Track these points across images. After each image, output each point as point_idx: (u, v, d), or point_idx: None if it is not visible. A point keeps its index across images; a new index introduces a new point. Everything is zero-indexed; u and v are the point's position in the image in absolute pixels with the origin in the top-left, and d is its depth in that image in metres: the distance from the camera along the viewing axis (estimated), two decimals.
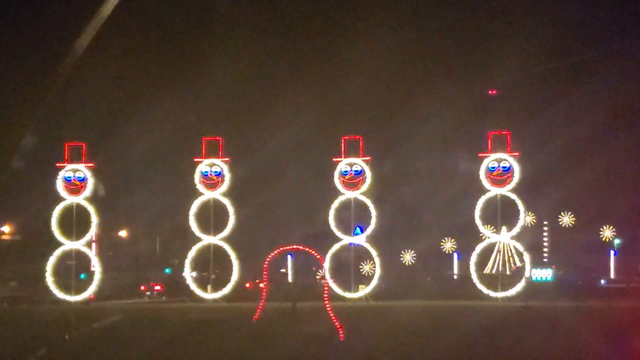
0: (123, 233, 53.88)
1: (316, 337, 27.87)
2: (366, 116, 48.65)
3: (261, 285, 48.02)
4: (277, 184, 48.06)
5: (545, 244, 55.71)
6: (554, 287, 46.32)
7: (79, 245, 44.46)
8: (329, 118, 47.75)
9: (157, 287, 51.72)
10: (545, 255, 55.42)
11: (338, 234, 44.30)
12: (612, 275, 52.03)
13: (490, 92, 51.39)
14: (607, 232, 51.87)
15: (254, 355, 25.07)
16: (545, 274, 49.98)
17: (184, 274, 43.94)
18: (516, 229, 43.90)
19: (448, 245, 56.45)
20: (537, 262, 49.77)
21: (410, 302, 43.52)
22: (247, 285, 45.84)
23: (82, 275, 45.10)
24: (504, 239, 44.45)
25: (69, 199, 44.71)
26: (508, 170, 43.99)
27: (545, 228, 54.95)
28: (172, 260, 51.99)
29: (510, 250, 51.77)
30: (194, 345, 26.00)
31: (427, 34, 46.86)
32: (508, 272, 50.39)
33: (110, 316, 37.12)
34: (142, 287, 51.96)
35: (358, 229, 43.86)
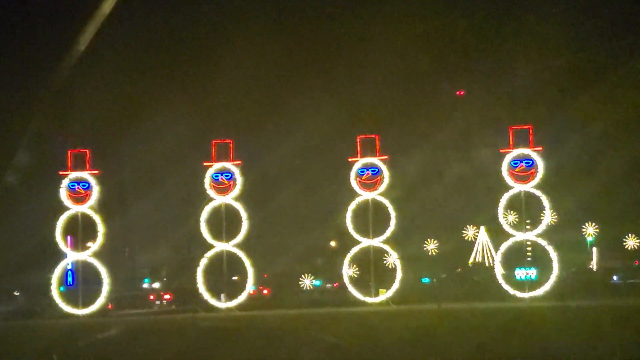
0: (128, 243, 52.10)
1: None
2: (382, 114, 46.99)
3: (264, 291, 46.26)
4: (290, 187, 46.31)
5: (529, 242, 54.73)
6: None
7: (85, 255, 42.73)
8: (344, 117, 46.14)
9: (167, 297, 50.10)
10: (529, 254, 54.12)
11: (356, 236, 42.55)
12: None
13: (457, 93, 49.69)
14: (590, 229, 50.41)
15: None
16: (529, 274, 48.76)
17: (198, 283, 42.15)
18: (542, 227, 42.15)
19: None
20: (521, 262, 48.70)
21: (434, 306, 41.63)
22: (251, 292, 44.09)
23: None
24: (529, 237, 42.62)
25: (74, 208, 43.01)
26: (531, 165, 42.31)
27: (528, 227, 54.15)
28: (143, 270, 50.28)
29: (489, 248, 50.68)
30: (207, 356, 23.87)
31: (444, 27, 45.22)
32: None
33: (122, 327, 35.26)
34: (151, 297, 50.31)
35: None
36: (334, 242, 51.99)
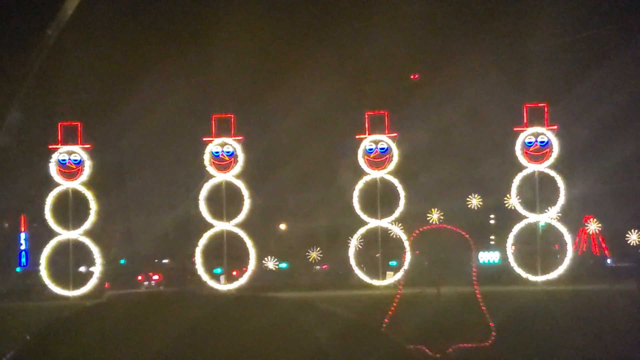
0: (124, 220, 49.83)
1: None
2: (390, 90, 45.07)
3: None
4: (295, 164, 44.27)
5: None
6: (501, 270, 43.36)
7: (76, 234, 40.51)
8: (352, 92, 44.16)
9: (155, 277, 48.19)
10: (492, 237, 53.06)
11: (364, 216, 40.73)
12: None
13: (412, 76, 47.97)
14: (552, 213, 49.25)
15: None
16: (492, 257, 47.40)
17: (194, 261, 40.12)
18: (556, 208, 40.65)
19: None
20: (483, 245, 47.45)
21: (445, 289, 39.95)
22: (234, 273, 42.26)
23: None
24: (543, 218, 41.09)
25: (64, 184, 40.70)
26: (546, 145, 40.73)
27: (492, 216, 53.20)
28: (113, 249, 48.27)
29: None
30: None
31: (454, 3, 43.45)
32: None
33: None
34: (140, 277, 48.35)
35: None
36: (283, 224, 50.07)
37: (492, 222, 54.96)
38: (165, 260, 51.98)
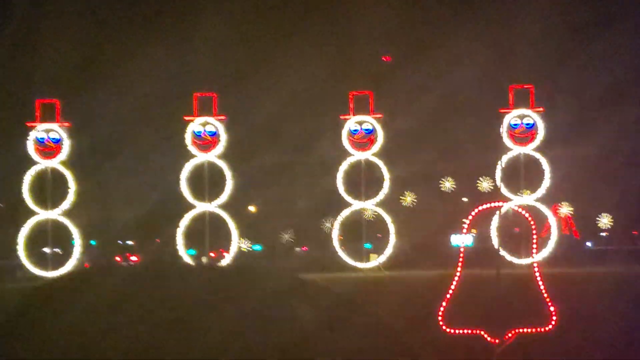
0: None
1: None
2: (376, 70, 44.46)
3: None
4: (279, 145, 43.65)
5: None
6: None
7: (54, 214, 39.73)
8: (336, 72, 43.47)
9: (134, 258, 47.65)
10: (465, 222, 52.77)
11: (348, 198, 40.31)
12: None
13: (383, 58, 47.60)
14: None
15: None
16: (464, 240, 47.39)
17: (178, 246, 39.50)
18: (541, 191, 40.48)
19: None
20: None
21: (428, 272, 39.76)
22: (212, 254, 41.83)
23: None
24: (528, 201, 40.89)
25: (43, 163, 39.83)
26: (532, 127, 40.47)
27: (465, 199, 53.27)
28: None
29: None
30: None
31: None
32: None
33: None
34: (118, 258, 47.75)
35: None
36: (253, 207, 49.70)
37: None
38: (129, 242, 51.50)
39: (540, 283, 18.04)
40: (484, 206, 18.13)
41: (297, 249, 49.67)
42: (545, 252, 39.84)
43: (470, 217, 18.24)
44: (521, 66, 40.09)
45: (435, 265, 39.98)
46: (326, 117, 41.49)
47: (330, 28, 44.26)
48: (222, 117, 40.30)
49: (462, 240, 48.37)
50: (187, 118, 40.20)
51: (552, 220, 40.40)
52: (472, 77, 42.87)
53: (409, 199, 48.92)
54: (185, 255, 39.77)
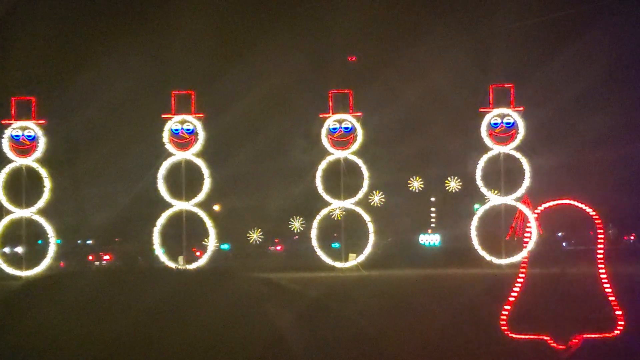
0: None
1: None
2: (355, 68, 44.12)
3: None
4: (257, 143, 43.18)
5: (433, 209, 54.06)
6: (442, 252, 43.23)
7: (29, 213, 39.16)
8: (316, 70, 43.13)
9: (106, 257, 47.06)
10: (433, 220, 52.82)
11: (327, 197, 39.92)
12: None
13: (349, 58, 47.35)
14: (453, 184, 49.03)
15: None
16: (433, 240, 45.98)
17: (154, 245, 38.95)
18: (521, 190, 40.25)
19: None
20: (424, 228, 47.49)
21: (408, 271, 39.47)
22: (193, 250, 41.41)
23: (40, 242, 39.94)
24: (506, 201, 40.66)
25: (18, 161, 39.26)
26: (512, 126, 40.25)
27: (433, 199, 53.11)
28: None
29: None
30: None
31: None
32: None
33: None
34: (91, 257, 47.17)
35: None
36: (217, 206, 49.25)
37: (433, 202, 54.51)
38: (88, 241, 50.89)
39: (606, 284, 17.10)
40: (549, 204, 17.15)
41: (272, 248, 49.13)
42: (525, 252, 39.51)
43: (537, 214, 17.16)
44: (501, 65, 39.96)
45: (410, 264, 39.90)
46: (305, 115, 41.12)
47: (310, 24, 43.92)
48: (200, 115, 39.88)
49: (428, 239, 47.52)
50: (164, 116, 39.76)
51: (532, 220, 40.03)
52: (452, 77, 42.63)
53: (376, 198, 48.41)
54: (163, 255, 39.29)
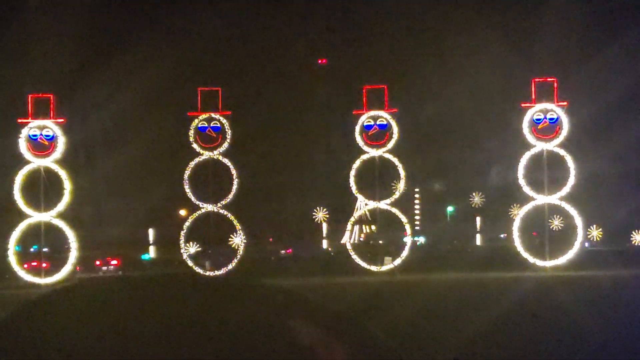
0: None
1: None
2: (391, 63, 42.23)
3: None
4: (287, 142, 41.28)
5: (417, 211, 53.34)
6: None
7: (48, 217, 37.23)
8: (349, 66, 41.21)
9: (114, 262, 45.17)
10: (417, 222, 51.22)
11: (361, 197, 38.09)
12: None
13: (319, 61, 45.61)
14: (476, 199, 47.38)
15: None
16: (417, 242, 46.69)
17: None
18: (566, 189, 38.35)
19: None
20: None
21: (444, 275, 37.48)
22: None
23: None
24: (551, 200, 38.76)
25: (35, 162, 37.34)
26: (555, 122, 38.38)
27: (417, 195, 51.57)
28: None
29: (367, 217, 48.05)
30: None
31: None
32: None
33: None
34: (98, 262, 45.29)
35: None
36: (183, 210, 47.30)
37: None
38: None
39: None
40: None
41: (282, 251, 47.21)
42: (570, 254, 37.74)
43: None
44: (544, 59, 38.08)
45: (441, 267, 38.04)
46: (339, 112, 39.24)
47: (342, 22, 42.08)
48: (227, 112, 38.02)
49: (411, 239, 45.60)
50: (190, 114, 37.90)
51: (578, 221, 38.20)
52: (492, 71, 40.69)
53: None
54: (189, 259, 37.43)
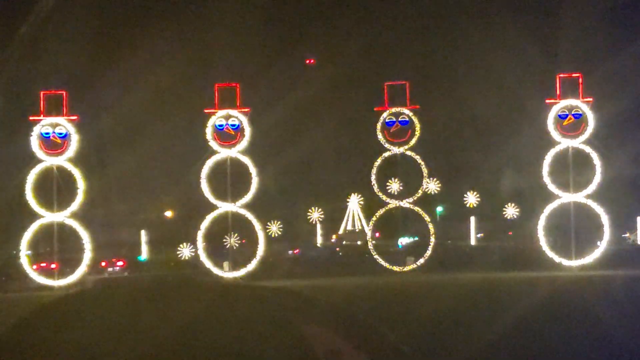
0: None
1: None
2: (412, 60, 41.37)
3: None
4: (308, 139, 40.34)
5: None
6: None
7: (61, 217, 36.26)
8: (370, 61, 40.33)
9: (120, 263, 44.29)
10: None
11: (382, 197, 37.27)
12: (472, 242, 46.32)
13: (307, 61, 44.97)
14: (471, 199, 46.67)
15: None
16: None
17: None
18: (592, 187, 37.52)
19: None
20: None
21: (469, 275, 36.63)
22: None
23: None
24: (577, 198, 37.93)
25: (48, 160, 36.38)
26: (580, 118, 37.55)
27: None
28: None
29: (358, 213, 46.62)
30: None
31: None
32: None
33: None
34: (103, 263, 44.42)
35: None
36: (170, 212, 46.38)
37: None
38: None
39: None
40: None
41: (290, 252, 46.36)
42: (597, 253, 36.95)
43: None
44: (569, 54, 37.29)
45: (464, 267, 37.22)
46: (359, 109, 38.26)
47: (366, 16, 41.15)
48: (246, 109, 37.07)
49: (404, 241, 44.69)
50: (207, 111, 36.97)
51: (605, 219, 37.36)
52: (516, 66, 39.86)
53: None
54: (207, 260, 36.52)
